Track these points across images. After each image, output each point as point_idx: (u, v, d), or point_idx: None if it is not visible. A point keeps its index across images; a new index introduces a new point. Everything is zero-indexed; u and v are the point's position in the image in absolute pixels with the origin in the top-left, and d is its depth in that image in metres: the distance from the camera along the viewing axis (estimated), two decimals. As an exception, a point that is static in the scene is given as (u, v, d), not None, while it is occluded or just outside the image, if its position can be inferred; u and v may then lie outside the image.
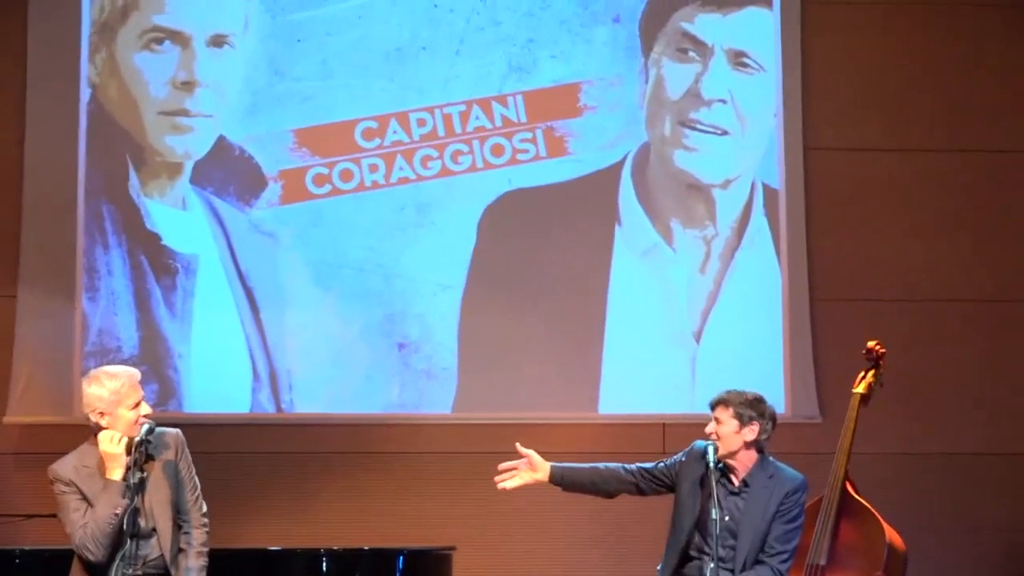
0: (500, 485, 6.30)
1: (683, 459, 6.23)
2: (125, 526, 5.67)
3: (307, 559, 6.81)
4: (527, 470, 6.29)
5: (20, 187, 8.74)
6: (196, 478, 6.03)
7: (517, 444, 6.32)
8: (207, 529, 5.99)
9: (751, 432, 6.12)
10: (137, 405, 5.86)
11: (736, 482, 6.14)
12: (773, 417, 6.19)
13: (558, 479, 6.32)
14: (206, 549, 5.95)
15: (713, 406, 6.16)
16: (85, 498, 5.81)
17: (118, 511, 5.68)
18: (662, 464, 6.27)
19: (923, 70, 9.08)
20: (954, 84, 9.07)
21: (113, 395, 5.84)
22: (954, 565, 8.64)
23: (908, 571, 7.27)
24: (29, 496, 8.10)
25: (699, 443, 6.20)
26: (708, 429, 6.14)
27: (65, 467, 5.87)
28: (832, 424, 7.90)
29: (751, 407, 6.13)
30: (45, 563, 6.55)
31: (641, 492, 6.32)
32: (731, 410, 6.12)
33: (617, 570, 8.48)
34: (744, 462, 6.14)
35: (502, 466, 6.30)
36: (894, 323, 8.71)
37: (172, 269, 8.74)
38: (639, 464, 6.29)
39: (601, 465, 6.33)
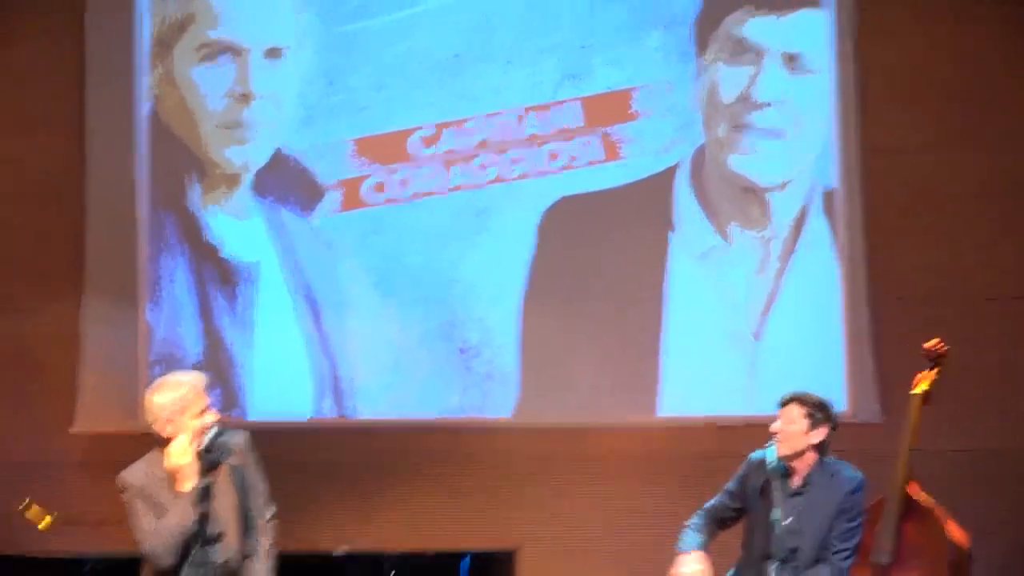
0: None
1: (744, 473, 6.28)
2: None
3: (372, 563, 6.85)
4: None
5: (83, 200, 8.84)
6: (263, 482, 6.08)
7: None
8: (274, 532, 6.05)
9: (818, 435, 6.16)
10: (202, 413, 5.89)
11: (797, 482, 6.16)
12: (836, 424, 6.22)
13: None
14: (273, 552, 6.01)
15: (784, 403, 6.18)
16: (155, 505, 5.88)
17: (189, 521, 5.74)
18: (726, 494, 6.31)
19: (979, 68, 9.03)
20: (1012, 81, 9.03)
21: (178, 403, 5.88)
22: (1021, 562, 8.60)
23: (973, 569, 7.28)
24: (98, 504, 8.18)
25: (755, 454, 6.25)
26: (774, 427, 6.15)
27: (134, 475, 5.91)
28: (894, 424, 7.86)
29: (821, 410, 6.17)
30: (115, 570, 6.62)
31: (726, 526, 6.35)
32: (805, 409, 6.14)
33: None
34: (806, 463, 6.17)
35: None
36: (954, 321, 8.65)
37: (234, 278, 8.82)
38: (712, 503, 6.33)
39: (704, 522, 6.31)
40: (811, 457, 6.17)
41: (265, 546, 5.98)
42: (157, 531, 5.79)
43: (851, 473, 6.20)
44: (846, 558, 6.11)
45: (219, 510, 5.88)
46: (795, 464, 6.16)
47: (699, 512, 6.35)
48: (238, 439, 6.03)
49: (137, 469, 5.94)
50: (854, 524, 6.15)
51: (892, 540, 7.13)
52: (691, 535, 6.26)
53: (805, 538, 6.09)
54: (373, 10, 9.02)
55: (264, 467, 6.10)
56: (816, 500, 6.13)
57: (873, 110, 8.99)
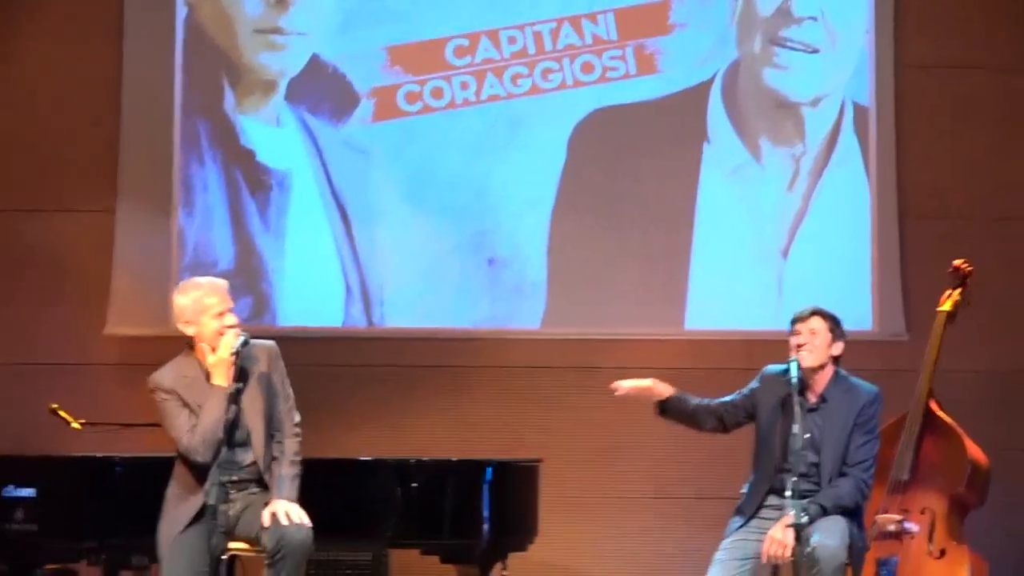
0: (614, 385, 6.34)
1: (757, 385, 6.33)
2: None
3: (397, 469, 6.91)
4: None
5: (119, 105, 8.87)
6: (290, 390, 6.15)
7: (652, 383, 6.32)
8: (300, 439, 6.13)
9: (838, 348, 6.23)
10: (221, 315, 5.98)
11: (814, 398, 6.21)
12: (845, 339, 6.29)
13: (664, 405, 6.35)
14: (299, 458, 6.09)
15: (806, 317, 6.21)
16: (187, 405, 5.98)
17: (228, 416, 5.84)
18: (739, 395, 6.34)
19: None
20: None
21: (195, 304, 5.98)
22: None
23: (991, 488, 7.33)
24: (129, 406, 8.27)
25: (770, 367, 6.31)
26: (801, 340, 6.18)
27: (165, 376, 6.03)
28: (919, 341, 7.90)
29: (839, 324, 6.25)
30: (146, 470, 6.70)
31: (725, 428, 6.39)
32: (828, 323, 6.21)
33: (703, 487, 8.54)
34: (823, 378, 6.22)
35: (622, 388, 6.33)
36: (983, 241, 8.66)
37: (266, 185, 8.86)
38: (719, 400, 6.36)
39: (702, 401, 6.35)
40: (829, 371, 6.23)
41: (291, 452, 6.08)
42: (195, 427, 5.89)
43: (867, 386, 6.26)
44: (867, 468, 6.16)
45: (247, 414, 5.99)
46: (814, 378, 6.20)
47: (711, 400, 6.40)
48: (266, 347, 6.13)
49: (166, 371, 6.05)
50: (872, 435, 6.20)
51: (912, 457, 7.20)
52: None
53: (825, 452, 6.14)
54: (412, -84, 9.00)
55: (293, 373, 6.19)
56: (833, 414, 6.18)
57: (909, 26, 8.95)
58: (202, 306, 5.99)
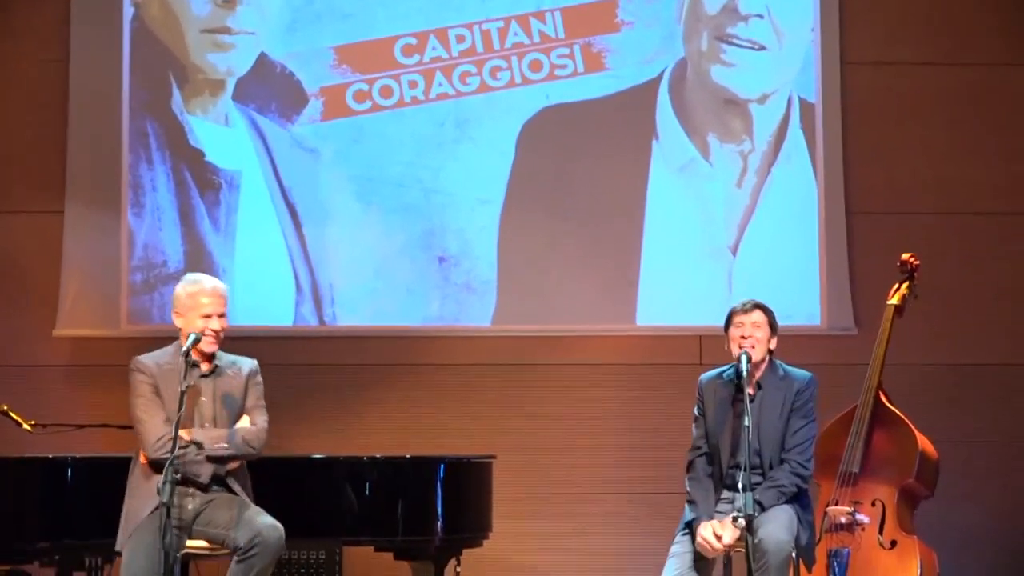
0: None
1: (700, 397, 6.39)
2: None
3: (350, 466, 6.92)
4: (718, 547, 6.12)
5: (66, 105, 8.84)
6: (263, 404, 6.27)
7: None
8: (262, 434, 6.18)
9: (774, 342, 6.33)
10: (208, 317, 6.08)
11: (751, 389, 6.25)
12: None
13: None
14: (250, 437, 6.13)
15: (749, 309, 6.30)
16: (157, 392, 6.02)
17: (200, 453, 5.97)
18: (696, 426, 6.37)
19: (960, -17, 9.08)
20: (993, -1, 9.08)
21: (189, 299, 6.12)
22: (985, 474, 8.71)
23: (940, 479, 7.39)
24: (79, 407, 8.26)
25: (704, 375, 6.41)
26: (745, 332, 6.23)
27: (148, 361, 6.11)
28: (867, 336, 7.96)
29: (775, 318, 6.35)
30: (97, 470, 6.69)
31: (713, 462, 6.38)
32: (768, 317, 6.31)
33: (654, 482, 8.58)
34: (761, 368, 6.31)
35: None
36: (929, 236, 8.75)
37: (216, 184, 8.84)
38: (693, 447, 6.36)
39: (698, 479, 6.29)
40: (765, 363, 6.32)
41: (246, 428, 6.17)
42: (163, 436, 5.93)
43: (801, 372, 6.35)
44: (803, 451, 6.23)
45: (216, 423, 6.11)
46: (753, 371, 6.25)
47: (688, 478, 6.34)
48: (249, 364, 6.28)
49: (153, 356, 6.14)
50: (808, 419, 6.29)
51: (862, 449, 7.25)
52: (689, 508, 6.26)
53: (764, 441, 6.21)
54: (359, -84, 9.00)
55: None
56: (770, 402, 6.27)
57: (853, 23, 9.02)
58: (196, 303, 6.08)
